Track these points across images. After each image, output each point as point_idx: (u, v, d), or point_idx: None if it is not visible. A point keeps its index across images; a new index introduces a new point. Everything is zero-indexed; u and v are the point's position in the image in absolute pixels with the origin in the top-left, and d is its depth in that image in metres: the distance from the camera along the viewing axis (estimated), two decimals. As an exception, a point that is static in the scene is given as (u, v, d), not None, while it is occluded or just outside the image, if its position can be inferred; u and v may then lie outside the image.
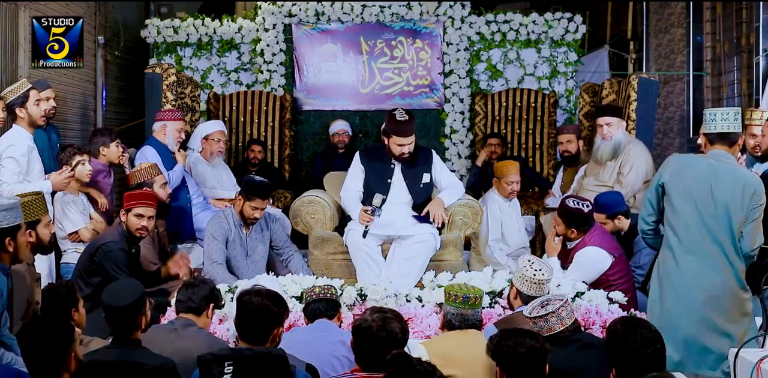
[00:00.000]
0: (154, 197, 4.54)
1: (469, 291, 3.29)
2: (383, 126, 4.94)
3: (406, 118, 4.78)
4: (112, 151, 5.25)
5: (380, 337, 2.77)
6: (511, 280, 3.72)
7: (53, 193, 4.73)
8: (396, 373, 2.46)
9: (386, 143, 4.89)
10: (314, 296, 3.55)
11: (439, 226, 4.80)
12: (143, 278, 4.46)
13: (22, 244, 3.31)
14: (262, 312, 2.75)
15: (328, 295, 3.55)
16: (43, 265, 4.60)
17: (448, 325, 3.30)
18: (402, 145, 4.83)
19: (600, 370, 2.89)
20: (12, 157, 4.49)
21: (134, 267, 4.43)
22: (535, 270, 3.55)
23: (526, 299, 3.55)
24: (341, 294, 4.18)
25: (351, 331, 2.91)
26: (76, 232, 4.84)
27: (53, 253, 4.76)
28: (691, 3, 7.10)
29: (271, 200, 4.86)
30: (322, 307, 3.51)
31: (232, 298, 3.87)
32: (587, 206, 4.46)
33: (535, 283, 3.54)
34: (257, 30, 7.54)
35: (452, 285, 3.40)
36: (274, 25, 7.51)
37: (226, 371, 2.48)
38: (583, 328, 3.77)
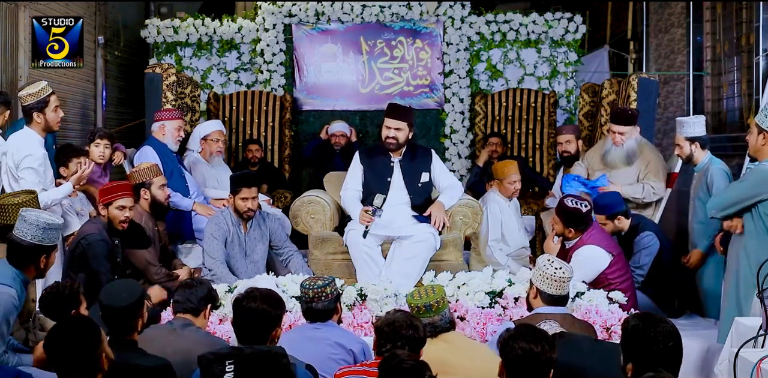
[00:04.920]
0: (129, 187, 4.53)
1: (430, 297, 3.20)
2: None
3: (399, 104, 4.91)
4: (92, 150, 5.25)
5: (406, 333, 2.85)
6: (531, 280, 3.69)
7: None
8: (386, 370, 2.47)
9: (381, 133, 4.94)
10: (308, 299, 3.40)
11: (440, 230, 4.81)
12: (124, 272, 4.49)
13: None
14: (260, 317, 2.75)
15: (323, 297, 3.38)
16: (55, 268, 4.63)
17: None
18: (388, 127, 4.84)
19: (596, 367, 2.91)
20: (31, 167, 4.42)
21: (118, 258, 4.40)
22: (556, 268, 3.53)
23: (547, 299, 3.53)
24: (341, 293, 4.18)
25: (375, 328, 2.95)
26: (72, 235, 4.85)
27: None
28: (691, 3, 7.08)
29: (259, 189, 4.89)
30: (319, 307, 3.45)
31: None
32: (585, 206, 4.45)
33: (556, 281, 3.51)
34: (257, 30, 7.54)
35: (412, 295, 3.28)
36: (274, 25, 7.51)
37: (227, 370, 2.48)
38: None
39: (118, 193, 4.37)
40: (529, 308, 3.69)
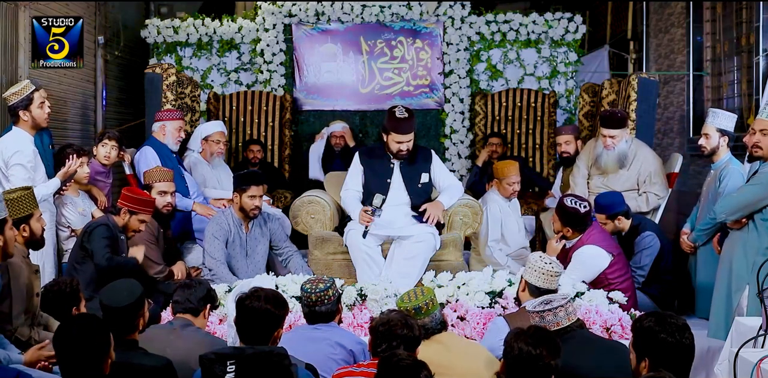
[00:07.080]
0: (153, 204, 4.68)
1: (419, 299, 3.20)
2: (383, 122, 4.95)
3: (406, 115, 4.80)
4: (98, 150, 5.34)
5: (400, 332, 2.86)
6: (521, 275, 3.71)
7: (55, 193, 4.72)
8: (385, 368, 2.48)
9: (385, 140, 4.90)
10: (310, 303, 3.37)
11: (432, 223, 4.79)
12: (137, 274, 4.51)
13: (10, 238, 3.31)
14: (263, 316, 2.75)
15: (326, 301, 3.35)
16: (51, 269, 4.64)
17: None
18: (401, 142, 4.84)
19: (598, 366, 2.90)
20: (20, 164, 4.45)
21: (122, 252, 4.43)
22: (546, 263, 3.57)
23: (536, 292, 3.55)
24: (342, 293, 4.18)
25: (370, 328, 2.96)
26: (74, 232, 4.86)
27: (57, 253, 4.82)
28: (691, 3, 7.08)
29: (266, 187, 4.91)
30: (323, 310, 3.44)
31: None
32: (584, 207, 4.45)
33: (544, 274, 3.55)
34: (257, 30, 7.54)
35: (401, 298, 3.28)
36: (274, 25, 7.51)
37: (228, 370, 2.49)
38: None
39: (147, 208, 4.52)
40: (518, 302, 3.71)
